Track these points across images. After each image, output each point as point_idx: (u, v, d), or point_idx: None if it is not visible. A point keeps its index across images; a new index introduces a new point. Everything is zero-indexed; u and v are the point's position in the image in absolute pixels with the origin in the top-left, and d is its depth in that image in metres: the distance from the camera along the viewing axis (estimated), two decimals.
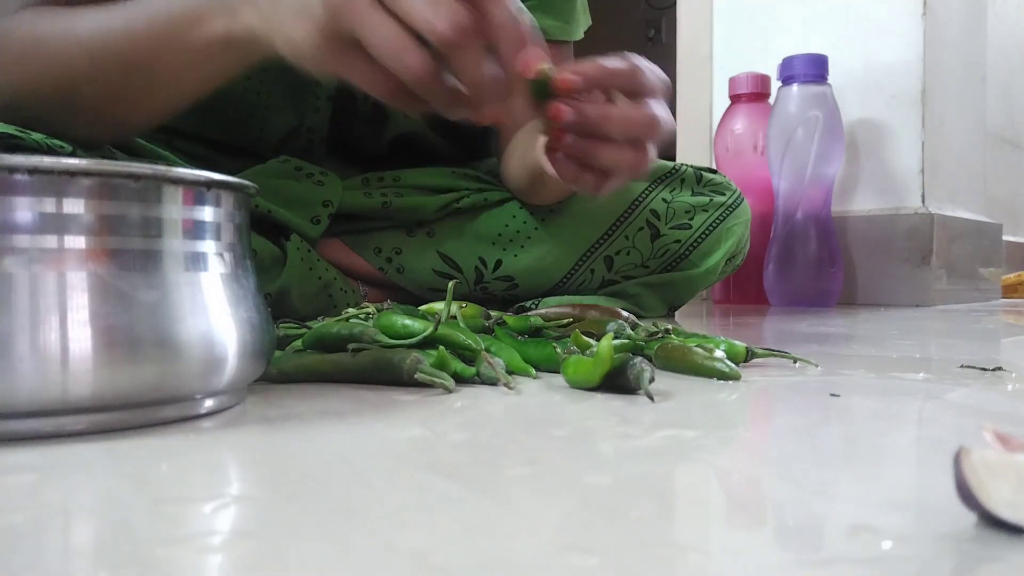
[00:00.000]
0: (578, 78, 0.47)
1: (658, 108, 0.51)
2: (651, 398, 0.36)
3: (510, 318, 0.52)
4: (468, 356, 0.43)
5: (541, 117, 0.50)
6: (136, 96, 0.57)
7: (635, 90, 0.50)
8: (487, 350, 0.44)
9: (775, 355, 0.49)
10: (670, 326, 0.51)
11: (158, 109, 0.59)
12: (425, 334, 0.42)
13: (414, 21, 0.41)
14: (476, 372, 0.42)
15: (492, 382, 0.41)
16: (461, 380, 0.41)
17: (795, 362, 0.49)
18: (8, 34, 0.57)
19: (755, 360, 0.50)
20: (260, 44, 0.49)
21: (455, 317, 0.51)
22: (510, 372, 0.43)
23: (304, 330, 0.50)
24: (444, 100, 0.44)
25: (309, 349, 0.45)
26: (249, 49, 0.50)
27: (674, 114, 1.60)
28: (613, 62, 0.49)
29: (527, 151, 0.74)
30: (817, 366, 0.49)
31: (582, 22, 0.87)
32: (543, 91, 0.47)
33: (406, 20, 0.41)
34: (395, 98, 0.45)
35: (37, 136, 0.54)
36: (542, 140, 0.58)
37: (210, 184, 0.32)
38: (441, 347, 0.41)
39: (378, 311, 0.50)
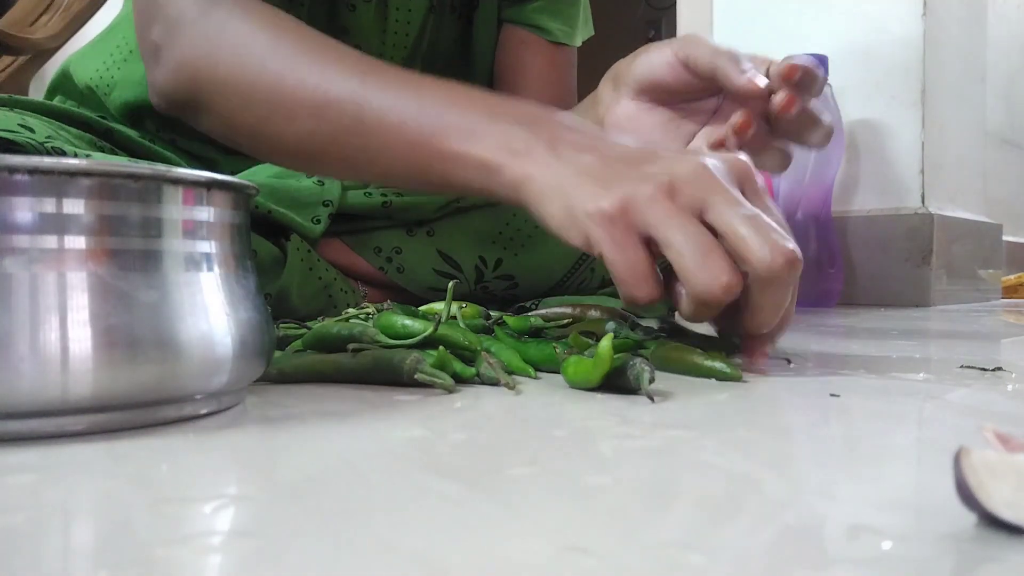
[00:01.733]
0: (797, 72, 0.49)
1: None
2: (651, 398, 0.36)
3: (510, 318, 0.52)
4: (468, 356, 0.43)
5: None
6: (372, 174, 0.56)
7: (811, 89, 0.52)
8: (487, 350, 0.44)
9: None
10: (667, 326, 0.51)
11: (368, 179, 0.59)
12: (425, 334, 0.42)
13: (741, 247, 0.39)
14: (476, 372, 0.42)
15: (492, 382, 0.41)
16: (461, 380, 0.41)
17: (789, 362, 0.49)
18: (225, 35, 0.53)
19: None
20: (523, 195, 0.44)
21: (455, 317, 0.51)
22: (510, 372, 0.43)
23: (304, 330, 0.50)
24: (721, 321, 0.42)
25: (309, 349, 0.45)
26: (501, 197, 0.46)
27: None
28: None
29: None
30: (790, 362, 0.49)
31: (582, 31, 0.88)
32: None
33: (730, 240, 0.39)
34: (640, 286, 0.41)
35: (37, 136, 0.54)
36: (623, 109, 0.59)
37: (210, 184, 0.32)
38: (441, 347, 0.41)
39: (378, 311, 0.50)
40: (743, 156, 0.43)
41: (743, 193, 0.41)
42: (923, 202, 1.30)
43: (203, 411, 0.33)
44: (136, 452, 0.27)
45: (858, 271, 1.33)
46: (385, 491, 0.23)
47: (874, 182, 1.34)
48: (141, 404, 0.30)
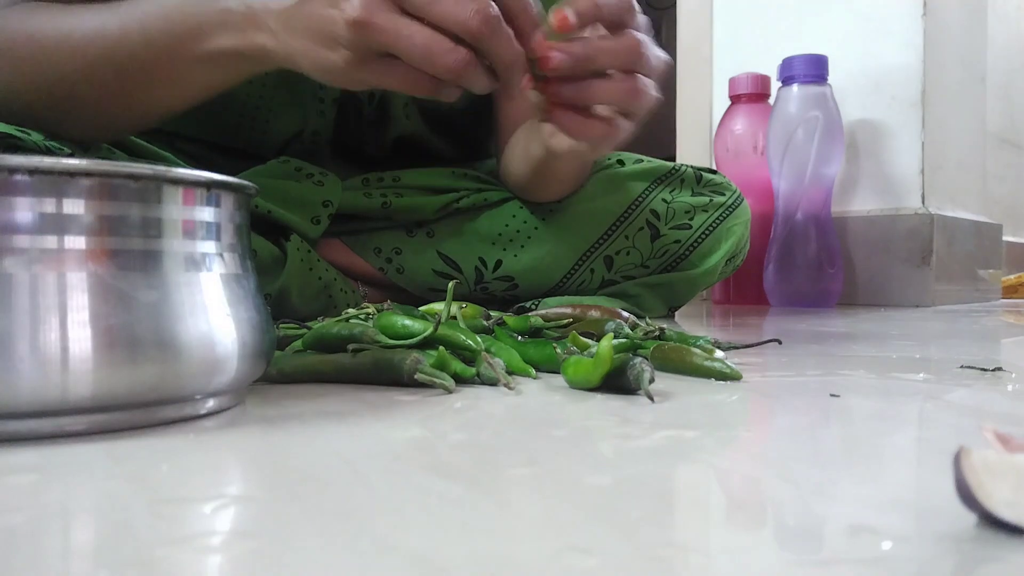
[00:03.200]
0: (571, 16, 0.49)
1: (646, 40, 0.52)
2: (651, 398, 0.36)
3: (510, 318, 0.53)
4: (468, 356, 0.43)
5: (540, 92, 0.52)
6: (132, 100, 0.56)
7: (619, 18, 0.52)
8: (487, 350, 0.44)
9: (737, 348, 0.53)
10: (664, 326, 0.51)
11: (155, 112, 0.59)
12: (425, 334, 0.42)
13: (447, 24, 0.43)
14: (476, 372, 0.42)
15: (492, 382, 0.41)
16: (461, 380, 0.41)
17: (779, 342, 0.49)
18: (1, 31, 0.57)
19: (755, 360, 0.50)
20: (276, 62, 0.49)
21: (455, 317, 0.51)
22: (510, 372, 0.43)
23: (304, 330, 0.50)
24: (483, 83, 0.46)
25: (309, 350, 0.45)
26: (262, 63, 0.50)
27: (674, 114, 1.61)
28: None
29: (529, 144, 0.74)
30: (781, 343, 0.53)
31: None
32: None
33: (438, 23, 0.43)
34: (435, 91, 0.47)
35: (36, 137, 0.54)
36: (547, 127, 0.59)
37: (210, 184, 0.32)
38: (441, 347, 0.41)
39: (378, 311, 0.50)
40: None
41: None
42: (923, 202, 1.30)
43: (203, 411, 0.33)
44: (136, 452, 0.27)
45: (858, 271, 1.33)
46: (385, 491, 0.23)
47: (874, 182, 1.34)
48: (141, 404, 0.30)
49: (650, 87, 0.53)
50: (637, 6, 0.53)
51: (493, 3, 0.44)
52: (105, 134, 0.61)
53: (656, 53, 0.53)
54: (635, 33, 0.52)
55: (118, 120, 0.59)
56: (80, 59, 0.54)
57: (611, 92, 0.52)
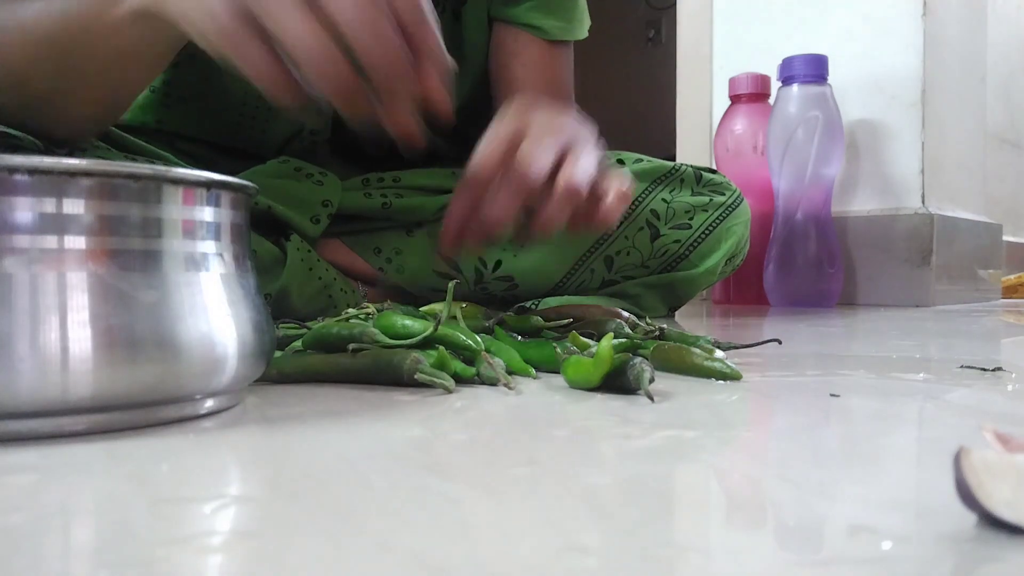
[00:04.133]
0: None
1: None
2: (651, 398, 0.36)
3: (510, 318, 0.52)
4: (468, 356, 0.43)
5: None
6: (75, 86, 0.55)
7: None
8: (487, 350, 0.44)
9: (736, 348, 0.53)
10: (664, 326, 0.51)
11: (102, 99, 0.58)
12: (425, 334, 0.42)
13: (349, 39, 0.38)
14: (476, 372, 0.42)
15: (492, 382, 0.41)
16: (461, 380, 0.41)
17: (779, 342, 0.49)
18: None
19: (755, 360, 0.50)
20: (167, 19, 0.46)
21: (455, 317, 0.51)
22: (510, 372, 0.43)
23: (304, 330, 0.50)
24: (360, 113, 0.42)
25: (309, 350, 0.45)
26: (157, 26, 0.48)
27: (674, 114, 1.61)
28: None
29: None
30: (780, 342, 0.53)
31: (582, 22, 0.86)
32: None
33: (338, 29, 0.38)
34: (280, 93, 0.41)
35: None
36: None
37: (210, 184, 0.32)
38: (441, 347, 0.41)
39: (378, 311, 0.50)
40: None
41: None
42: (923, 202, 1.30)
43: (203, 411, 0.33)
44: (136, 452, 0.27)
45: (858, 271, 1.33)
46: (385, 491, 0.23)
47: (874, 182, 1.34)
48: (141, 404, 0.30)
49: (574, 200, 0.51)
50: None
51: (400, 44, 0.40)
52: (63, 129, 0.60)
53: (581, 179, 0.51)
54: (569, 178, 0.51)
55: (71, 113, 0.57)
56: (30, 46, 0.53)
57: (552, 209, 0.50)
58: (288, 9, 0.39)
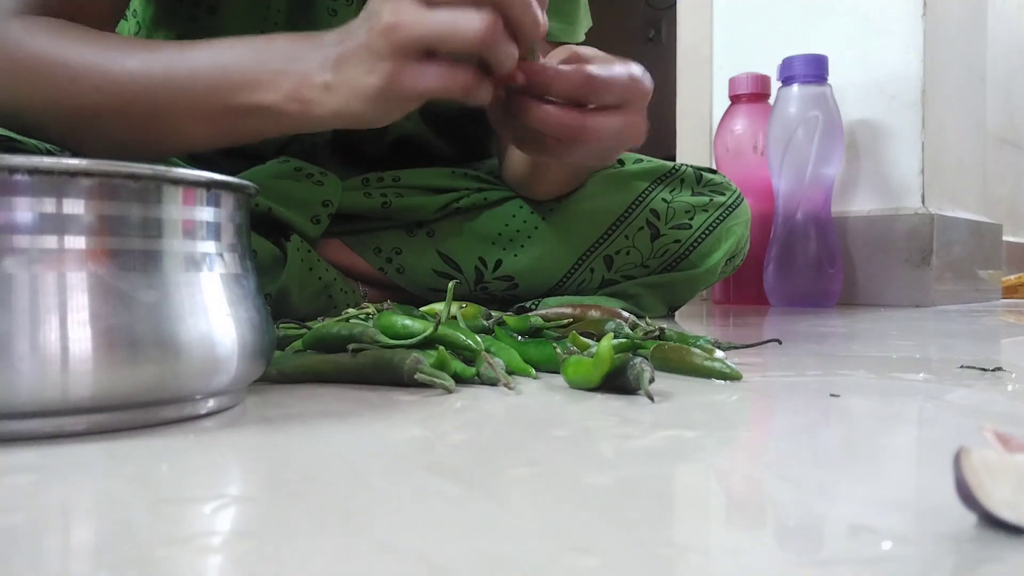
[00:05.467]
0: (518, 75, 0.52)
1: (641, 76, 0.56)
2: (651, 398, 0.36)
3: (510, 318, 0.52)
4: (468, 356, 0.43)
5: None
6: (160, 138, 0.56)
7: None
8: (487, 350, 0.44)
9: (737, 348, 0.53)
10: (664, 326, 0.51)
11: (177, 149, 0.60)
12: (425, 334, 0.42)
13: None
14: (476, 372, 0.42)
15: (492, 382, 0.41)
16: (461, 380, 0.41)
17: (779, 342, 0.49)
18: (16, 48, 0.55)
19: (755, 360, 0.50)
20: (315, 117, 0.50)
21: (455, 317, 0.51)
22: (510, 372, 0.43)
23: (304, 330, 0.50)
24: (506, 56, 0.48)
25: (309, 350, 0.45)
26: (298, 124, 0.52)
27: (674, 114, 1.61)
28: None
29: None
30: (781, 343, 0.54)
31: (584, 24, 0.87)
32: None
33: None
34: (473, 88, 0.49)
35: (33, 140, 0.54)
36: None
37: (210, 184, 0.32)
38: (441, 347, 0.41)
39: (378, 311, 0.50)
40: None
41: None
42: (923, 202, 1.30)
43: (203, 411, 0.33)
44: (136, 452, 0.27)
45: (858, 271, 1.33)
46: (385, 491, 0.23)
47: (874, 182, 1.34)
48: (141, 404, 0.30)
49: (640, 126, 0.57)
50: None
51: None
52: (119, 156, 0.61)
53: (648, 87, 0.56)
54: (631, 70, 0.55)
55: (139, 150, 0.58)
56: (115, 94, 0.53)
57: (603, 131, 0.55)
58: (419, 15, 0.47)
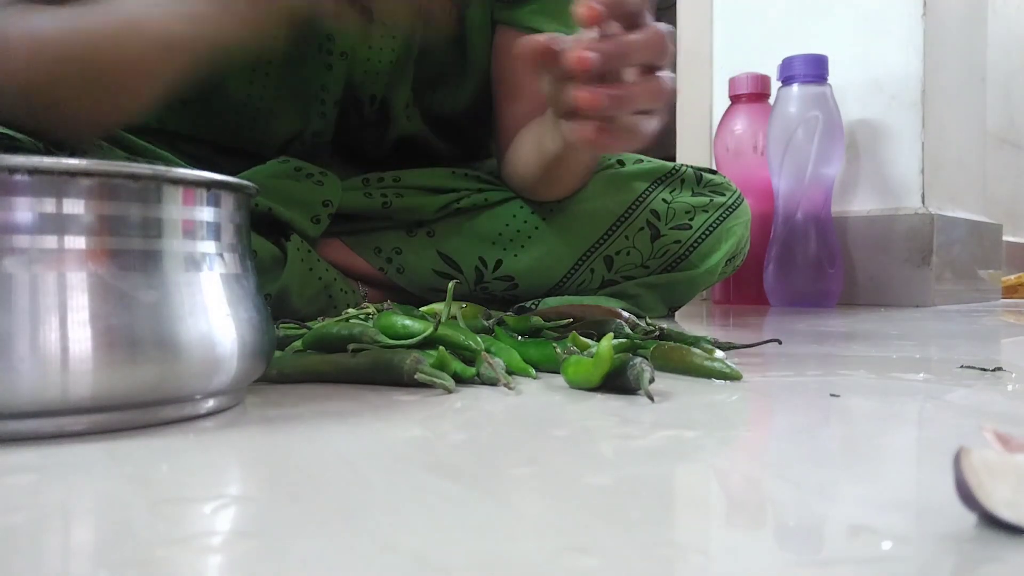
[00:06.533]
0: (599, 6, 0.51)
1: (668, 31, 0.55)
2: (651, 398, 0.36)
3: (510, 318, 0.52)
4: (468, 356, 0.43)
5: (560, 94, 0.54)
6: (100, 96, 0.56)
7: (638, 9, 0.53)
8: (487, 350, 0.44)
9: (736, 347, 0.53)
10: (664, 326, 0.51)
11: (125, 108, 0.59)
12: (425, 334, 0.42)
13: None
14: (476, 372, 0.42)
15: (492, 382, 0.41)
16: (461, 380, 0.41)
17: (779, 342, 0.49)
18: None
19: (755, 360, 0.50)
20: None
21: (455, 317, 0.51)
22: (510, 372, 0.43)
23: (304, 330, 0.50)
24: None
25: (309, 350, 0.45)
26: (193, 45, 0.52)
27: (674, 114, 1.61)
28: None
29: (542, 138, 0.73)
30: (781, 343, 0.54)
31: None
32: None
33: None
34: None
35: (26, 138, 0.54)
36: (567, 123, 0.60)
37: (210, 184, 0.32)
38: (441, 347, 0.41)
39: (378, 311, 0.50)
40: None
41: None
42: (923, 202, 1.30)
43: (203, 411, 0.33)
44: (136, 452, 0.27)
45: (858, 271, 1.33)
46: (385, 491, 0.23)
47: (874, 182, 1.34)
48: (141, 404, 0.30)
49: (670, 81, 0.55)
50: None
51: None
52: (82, 133, 0.61)
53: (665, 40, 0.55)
54: (657, 25, 0.54)
55: (91, 118, 0.59)
56: (48, 59, 0.54)
57: (639, 97, 0.54)
58: None
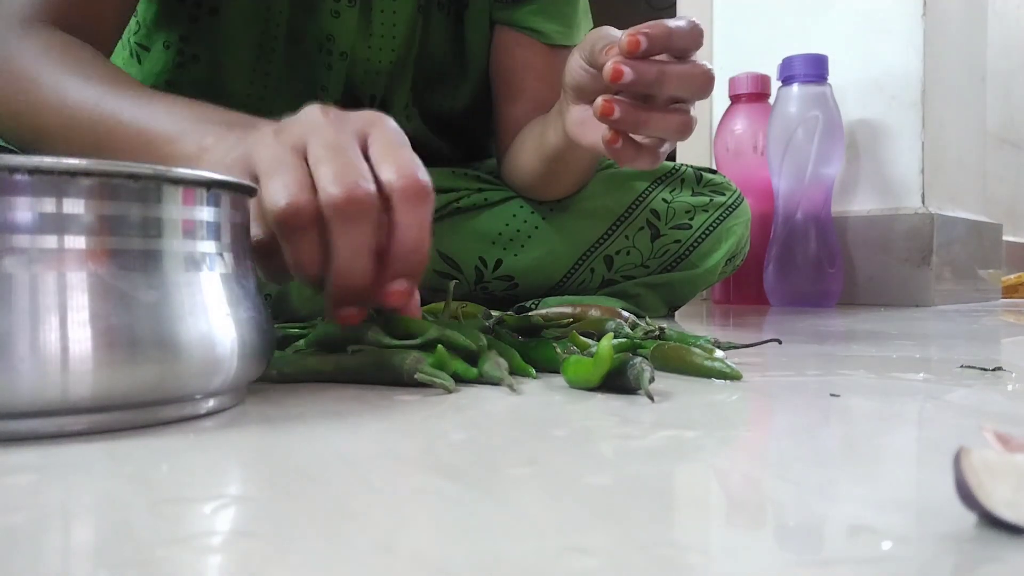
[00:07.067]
0: (643, 41, 0.51)
1: (711, 71, 0.55)
2: (651, 398, 0.36)
3: (510, 318, 0.52)
4: (472, 354, 0.43)
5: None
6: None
7: (687, 47, 0.54)
8: (496, 350, 0.44)
9: (736, 347, 0.53)
10: (664, 326, 0.51)
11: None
12: (428, 335, 0.42)
13: (315, 174, 0.38)
14: (480, 372, 0.42)
15: (496, 382, 0.41)
16: (461, 380, 0.41)
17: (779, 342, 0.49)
18: (9, 60, 0.57)
19: (755, 360, 0.50)
20: None
21: (457, 317, 0.51)
22: (512, 373, 0.43)
23: (304, 331, 0.50)
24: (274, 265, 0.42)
25: (311, 347, 0.45)
26: None
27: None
28: (669, 24, 0.53)
29: (545, 135, 0.73)
30: (781, 342, 0.54)
31: (583, 27, 0.86)
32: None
33: (311, 169, 0.39)
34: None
35: None
36: (573, 116, 0.63)
37: (210, 184, 0.32)
38: (440, 347, 0.41)
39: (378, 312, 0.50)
40: (379, 114, 0.43)
41: (368, 139, 0.41)
42: (923, 202, 1.30)
43: (203, 411, 0.33)
44: (136, 452, 0.27)
45: (858, 271, 1.33)
46: (385, 491, 0.23)
47: (874, 182, 1.34)
48: (141, 404, 0.30)
49: (694, 120, 0.56)
50: (703, 35, 0.54)
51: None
52: None
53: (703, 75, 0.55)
54: (702, 63, 0.54)
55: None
56: (65, 118, 0.54)
57: (660, 126, 0.55)
58: (269, 151, 0.40)
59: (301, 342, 0.46)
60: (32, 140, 0.57)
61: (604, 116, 0.54)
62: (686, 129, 0.56)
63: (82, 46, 0.59)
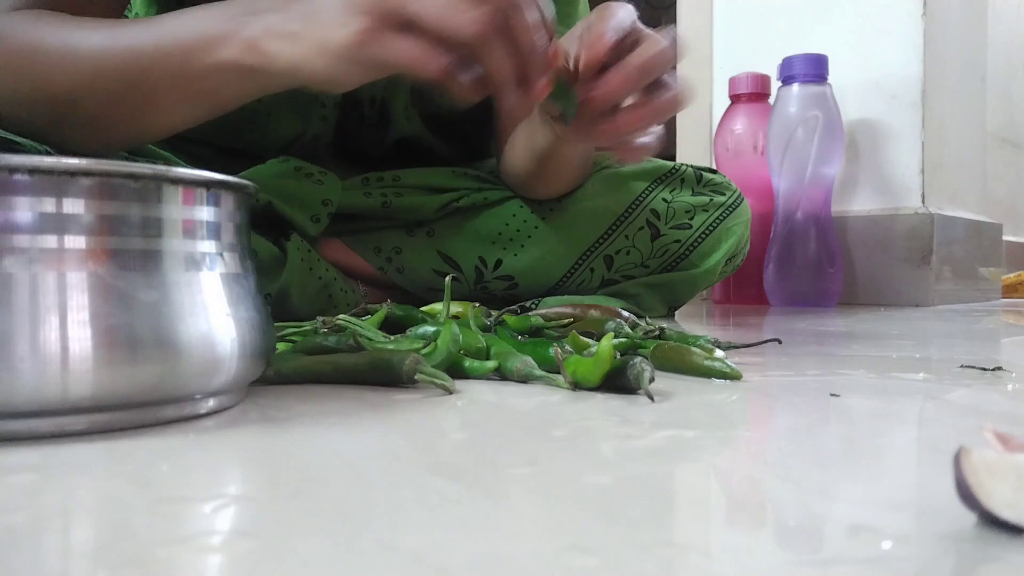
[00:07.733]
0: (599, 55, 0.52)
1: (665, 40, 0.54)
2: (651, 398, 0.36)
3: (510, 318, 0.52)
4: (477, 355, 0.43)
5: (561, 107, 0.55)
6: (137, 114, 0.56)
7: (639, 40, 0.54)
8: (559, 347, 0.44)
9: (737, 347, 0.53)
10: (664, 325, 0.51)
11: (159, 127, 0.59)
12: (433, 333, 0.42)
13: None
14: (511, 369, 0.42)
15: (524, 379, 0.41)
16: (463, 377, 0.41)
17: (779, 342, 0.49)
18: (3, 40, 0.56)
19: (755, 360, 0.50)
20: (278, 71, 0.48)
21: (457, 317, 0.51)
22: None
23: (304, 330, 0.50)
24: (499, 63, 0.45)
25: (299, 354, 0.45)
26: (249, 77, 0.50)
27: (674, 115, 1.61)
28: (610, 26, 0.54)
29: (533, 135, 0.73)
30: (781, 342, 0.54)
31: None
32: (561, 86, 0.52)
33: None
34: (444, 75, 0.45)
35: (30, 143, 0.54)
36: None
37: (210, 184, 0.32)
38: (448, 347, 0.41)
39: (371, 312, 0.50)
40: None
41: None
42: (923, 202, 1.30)
43: (203, 411, 0.33)
44: (136, 452, 0.27)
45: (858, 271, 1.33)
46: (385, 491, 0.23)
47: (874, 182, 1.34)
48: (141, 404, 0.30)
49: (675, 91, 0.56)
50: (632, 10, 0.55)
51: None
52: (107, 147, 0.61)
53: (670, 49, 0.55)
54: (655, 38, 0.54)
55: (121, 133, 0.58)
56: (87, 74, 0.53)
57: (644, 119, 0.55)
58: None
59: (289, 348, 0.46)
60: (53, 114, 0.55)
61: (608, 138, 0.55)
62: (676, 105, 0.56)
63: (63, 14, 0.57)
